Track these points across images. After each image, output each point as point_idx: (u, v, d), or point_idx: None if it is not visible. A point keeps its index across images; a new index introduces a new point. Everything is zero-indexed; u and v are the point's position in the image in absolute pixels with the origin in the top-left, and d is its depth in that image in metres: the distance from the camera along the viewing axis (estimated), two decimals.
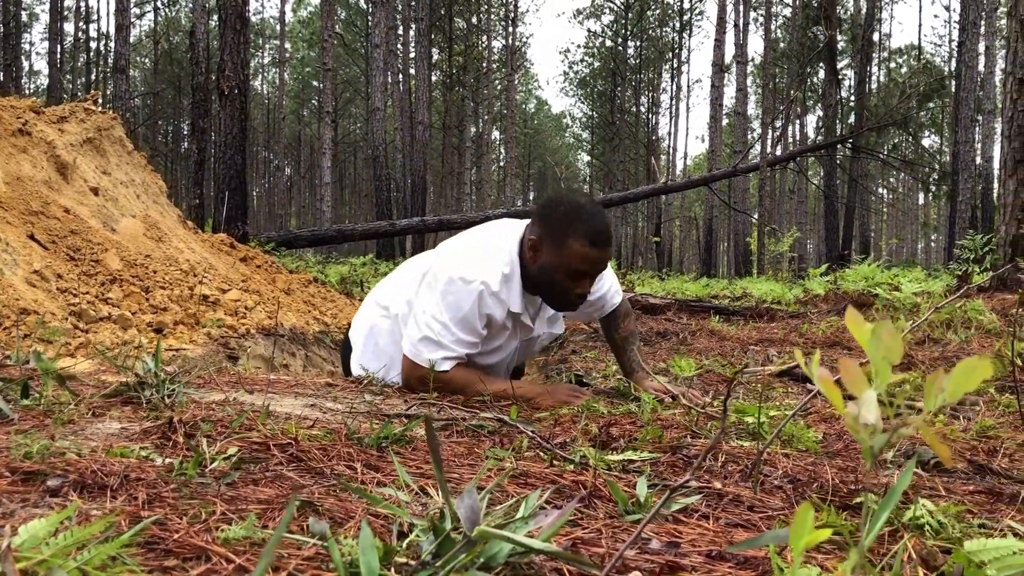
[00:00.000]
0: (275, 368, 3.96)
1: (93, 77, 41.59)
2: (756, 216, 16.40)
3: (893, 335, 0.56)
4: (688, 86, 59.92)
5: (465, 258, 2.52)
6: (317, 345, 4.65)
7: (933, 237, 53.53)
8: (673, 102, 44.58)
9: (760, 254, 16.05)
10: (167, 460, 1.20)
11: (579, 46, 52.04)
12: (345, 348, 3.03)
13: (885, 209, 53.76)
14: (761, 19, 30.99)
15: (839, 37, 21.92)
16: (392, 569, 0.78)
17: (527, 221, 2.58)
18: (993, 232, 5.98)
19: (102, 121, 4.62)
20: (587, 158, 56.79)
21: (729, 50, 29.17)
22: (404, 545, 0.86)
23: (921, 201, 55.12)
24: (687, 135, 62.76)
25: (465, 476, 1.39)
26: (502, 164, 48.20)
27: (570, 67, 46.95)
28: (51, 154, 4.11)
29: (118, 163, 4.66)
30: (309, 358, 4.48)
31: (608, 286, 2.83)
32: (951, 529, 1.25)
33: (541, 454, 1.65)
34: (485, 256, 2.51)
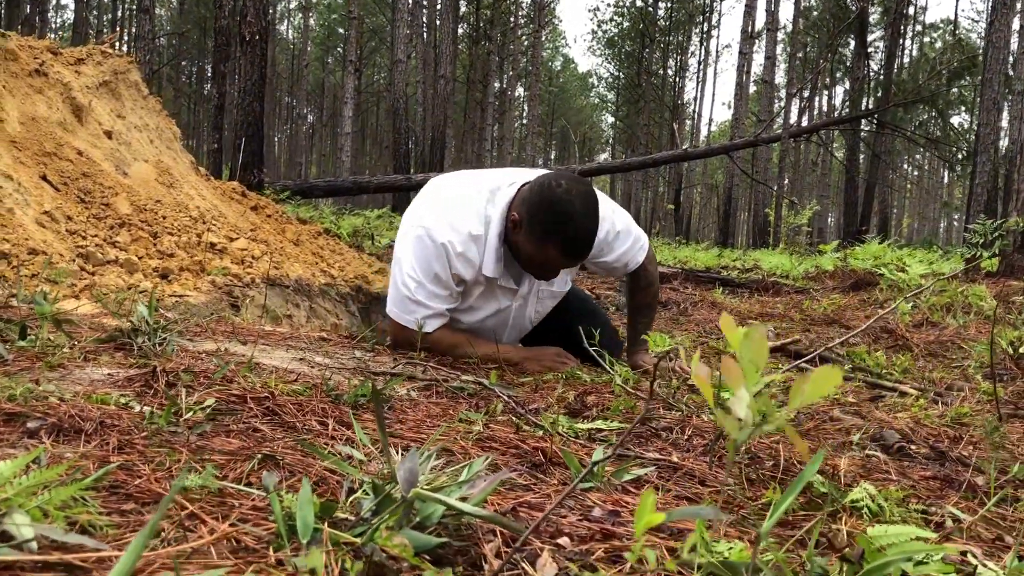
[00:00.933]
0: (278, 318, 4.04)
1: (119, 14, 41.48)
2: (775, 187, 16.27)
3: (761, 341, 0.60)
4: (717, 51, 59.07)
5: (437, 211, 2.48)
6: (322, 297, 4.72)
7: (956, 217, 52.96)
8: (701, 67, 44.03)
9: (776, 226, 15.98)
10: (145, 408, 1.27)
11: (608, 4, 51.30)
12: None
13: (909, 187, 53.14)
14: None
15: (872, 9, 21.54)
16: (330, 524, 0.84)
17: (528, 174, 2.54)
18: (1004, 218, 5.96)
19: (119, 64, 4.66)
20: (611, 119, 56.27)
21: (760, 17, 28.68)
22: (348, 502, 0.92)
23: (945, 180, 54.48)
24: (713, 101, 62.03)
25: (432, 437, 1.45)
26: (524, 122, 47.82)
27: (598, 26, 46.26)
28: (67, 96, 4.16)
29: (133, 107, 4.71)
30: (313, 309, 4.56)
31: (628, 245, 2.72)
32: (890, 513, 1.30)
33: (513, 419, 1.71)
34: (456, 213, 2.46)
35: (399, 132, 16.21)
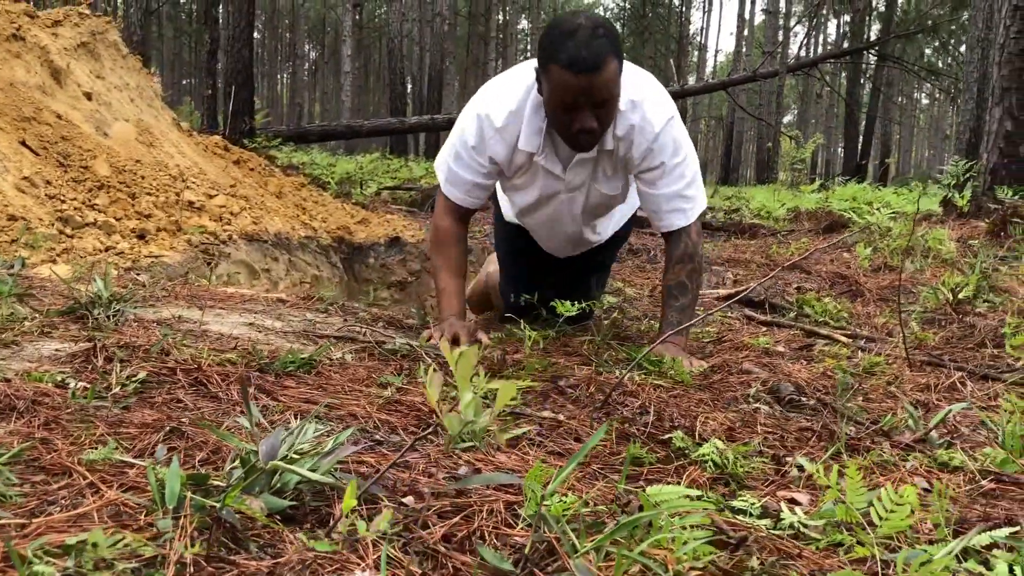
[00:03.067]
0: (255, 273, 4.22)
1: None
2: (773, 122, 16.30)
3: (470, 358, 0.77)
4: None
5: (488, 89, 2.46)
6: (302, 250, 4.90)
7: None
8: None
9: (773, 161, 15.99)
10: (80, 384, 1.45)
11: None
12: None
13: (917, 116, 52.47)
14: None
15: None
16: (202, 492, 1.02)
17: None
18: (977, 158, 6.05)
19: (97, 25, 4.76)
20: None
21: None
22: (226, 471, 1.11)
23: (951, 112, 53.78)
24: (719, 31, 61.07)
25: (345, 403, 1.64)
26: (528, 56, 47.33)
27: None
28: (45, 59, 4.29)
29: (112, 67, 4.83)
30: (293, 263, 4.74)
31: (678, 186, 2.45)
32: (733, 465, 1.48)
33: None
34: (500, 91, 2.41)
35: (394, 72, 16.18)
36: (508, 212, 2.94)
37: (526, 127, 2.36)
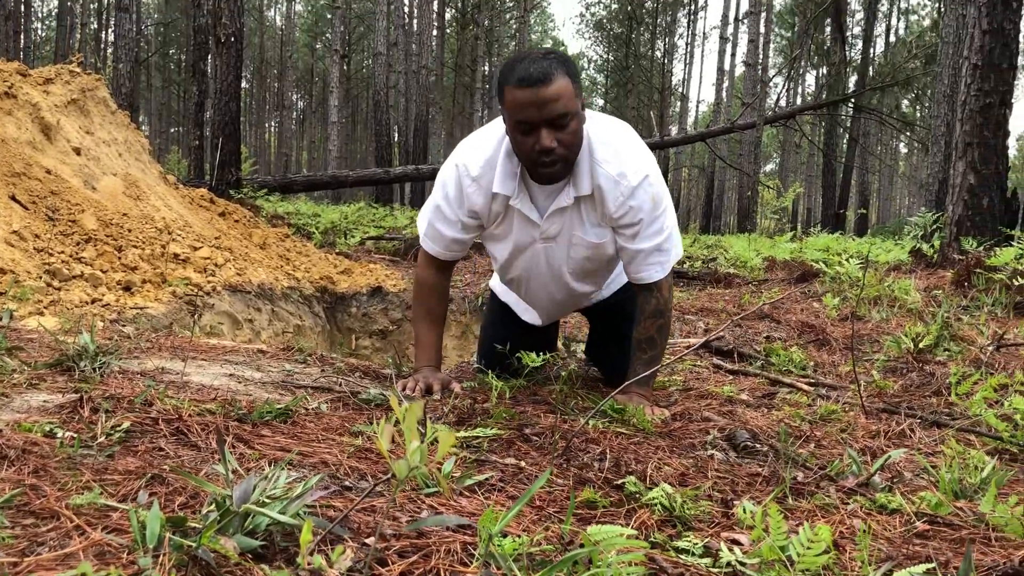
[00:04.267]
0: (238, 324, 4.31)
1: (106, 2, 41.44)
2: (751, 172, 16.61)
3: (414, 414, 0.88)
4: (704, 33, 59.02)
5: (463, 144, 2.55)
6: (285, 300, 5.00)
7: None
8: (689, 48, 44.12)
9: (751, 210, 16.27)
10: (68, 433, 1.54)
11: None
12: None
13: (897, 166, 53.35)
14: None
15: None
16: (180, 533, 1.12)
17: None
18: (942, 211, 6.25)
19: (86, 82, 4.91)
20: (600, 102, 56.36)
21: (744, 2, 28.87)
22: (202, 514, 1.21)
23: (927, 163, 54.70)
24: (701, 82, 62.19)
25: (318, 451, 1.73)
26: None
27: (587, 8, 46.36)
28: (36, 116, 4.42)
29: (101, 123, 4.97)
30: (275, 312, 4.83)
31: (655, 241, 2.50)
32: (681, 508, 1.59)
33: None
34: (476, 142, 2.50)
35: (380, 124, 16.44)
36: (498, 287, 3.04)
37: (500, 171, 2.41)
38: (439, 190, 2.55)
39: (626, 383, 2.29)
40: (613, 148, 2.43)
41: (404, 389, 2.45)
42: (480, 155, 2.45)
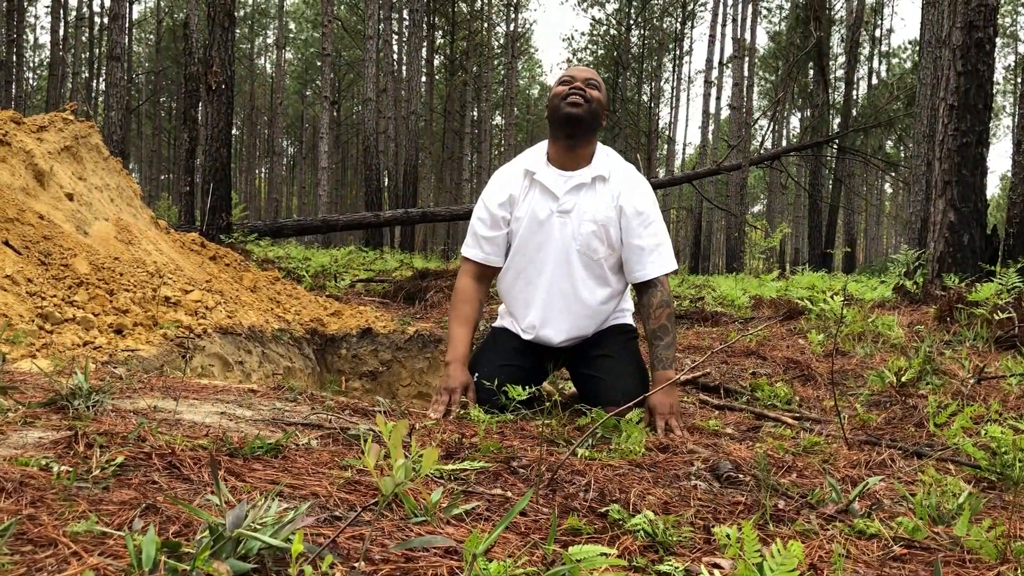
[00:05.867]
0: (229, 365, 4.34)
1: (97, 52, 41.85)
2: (738, 213, 16.80)
3: (400, 432, 0.92)
4: (690, 77, 59.94)
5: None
6: (275, 342, 5.03)
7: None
8: (675, 92, 44.76)
9: (739, 251, 16.41)
10: (63, 467, 1.58)
11: (583, 34, 52.20)
12: None
13: (883, 205, 53.96)
14: (763, 11, 31.22)
15: (835, 36, 22.20)
16: (175, 557, 1.15)
17: None
18: (925, 248, 6.36)
19: (79, 129, 4.98)
20: None
21: (728, 45, 29.40)
22: (196, 539, 1.24)
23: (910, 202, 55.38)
24: (687, 125, 63.00)
25: (308, 483, 1.77)
26: (502, 150, 48.47)
27: (573, 54, 47.02)
28: (29, 162, 4.48)
29: (94, 169, 5.03)
30: (266, 355, 4.86)
31: (655, 241, 2.96)
32: (663, 534, 1.62)
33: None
34: (520, 158, 3.12)
35: (370, 169, 16.60)
36: (498, 321, 3.31)
37: (530, 156, 3.04)
38: (481, 198, 3.10)
39: (659, 371, 2.86)
40: (619, 163, 3.06)
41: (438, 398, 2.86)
42: (510, 165, 3.09)
